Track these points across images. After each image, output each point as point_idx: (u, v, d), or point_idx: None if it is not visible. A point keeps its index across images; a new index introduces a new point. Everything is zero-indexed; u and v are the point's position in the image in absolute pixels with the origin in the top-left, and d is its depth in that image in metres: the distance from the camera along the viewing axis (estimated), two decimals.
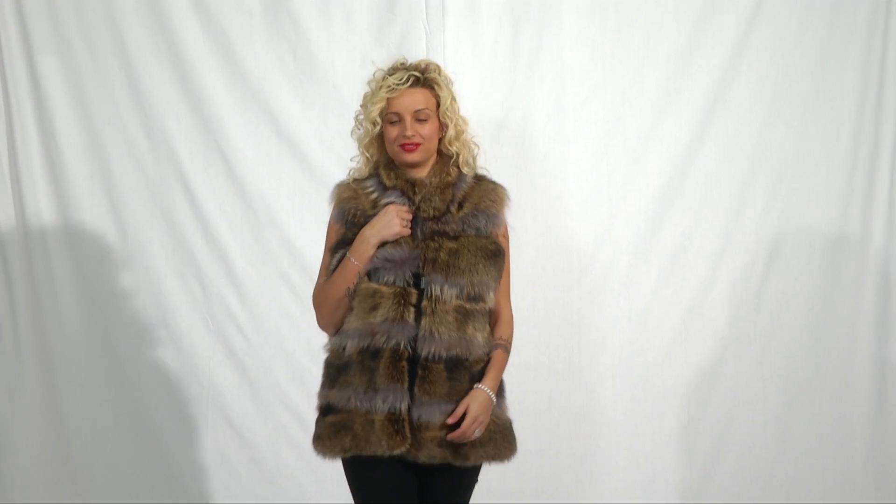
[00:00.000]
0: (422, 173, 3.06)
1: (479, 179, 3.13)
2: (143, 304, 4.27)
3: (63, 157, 4.24)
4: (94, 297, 4.27)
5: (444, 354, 2.93)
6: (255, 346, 4.26)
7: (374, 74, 3.10)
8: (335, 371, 3.03)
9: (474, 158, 3.14)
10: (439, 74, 3.10)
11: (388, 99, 3.04)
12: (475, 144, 3.14)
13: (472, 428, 2.92)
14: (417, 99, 3.03)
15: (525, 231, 3.96)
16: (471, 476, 3.07)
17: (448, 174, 3.08)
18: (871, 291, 4.30)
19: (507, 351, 3.06)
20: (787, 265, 4.28)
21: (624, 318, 4.27)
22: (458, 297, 2.96)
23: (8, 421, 4.29)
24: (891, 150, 4.27)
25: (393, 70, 3.09)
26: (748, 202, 4.25)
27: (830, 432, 4.32)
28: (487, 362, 3.00)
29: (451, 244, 3.00)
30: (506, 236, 3.11)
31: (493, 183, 3.14)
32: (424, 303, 2.95)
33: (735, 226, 4.25)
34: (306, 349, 4.11)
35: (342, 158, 4.19)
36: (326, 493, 4.14)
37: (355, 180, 3.15)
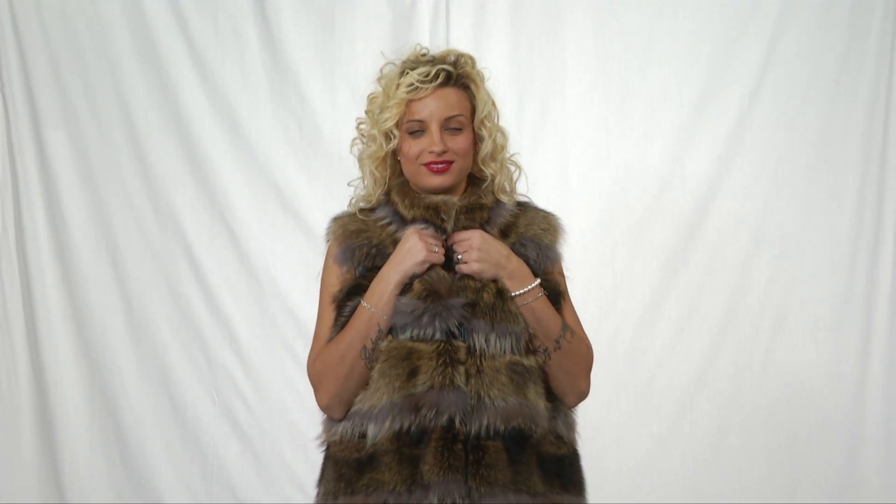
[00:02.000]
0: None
1: (523, 207, 2.47)
2: (147, 377, 4.26)
3: (69, 229, 4.25)
4: (98, 368, 4.26)
5: (501, 427, 2.19)
6: (259, 419, 4.24)
7: (381, 70, 2.40)
8: (353, 470, 2.26)
9: (512, 183, 2.47)
10: (474, 69, 2.39)
11: (408, 102, 2.32)
12: (516, 165, 2.49)
13: (463, 249, 2.30)
14: (450, 102, 2.32)
15: None
16: None
17: (481, 197, 2.38)
18: (877, 364, 4.28)
19: (571, 333, 2.33)
20: (791, 338, 4.27)
21: (629, 390, 4.25)
22: (512, 351, 2.25)
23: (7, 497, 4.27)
24: (894, 221, 4.28)
25: (414, 63, 2.36)
26: (752, 275, 4.25)
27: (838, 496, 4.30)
28: (563, 450, 2.31)
29: (495, 283, 2.28)
30: (562, 274, 2.44)
31: (543, 211, 2.47)
32: (468, 360, 2.22)
33: (739, 298, 4.25)
34: (311, 421, 4.08)
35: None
36: None
37: (361, 210, 2.44)
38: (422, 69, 2.31)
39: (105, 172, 4.27)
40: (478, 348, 2.22)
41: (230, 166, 4.26)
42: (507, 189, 2.44)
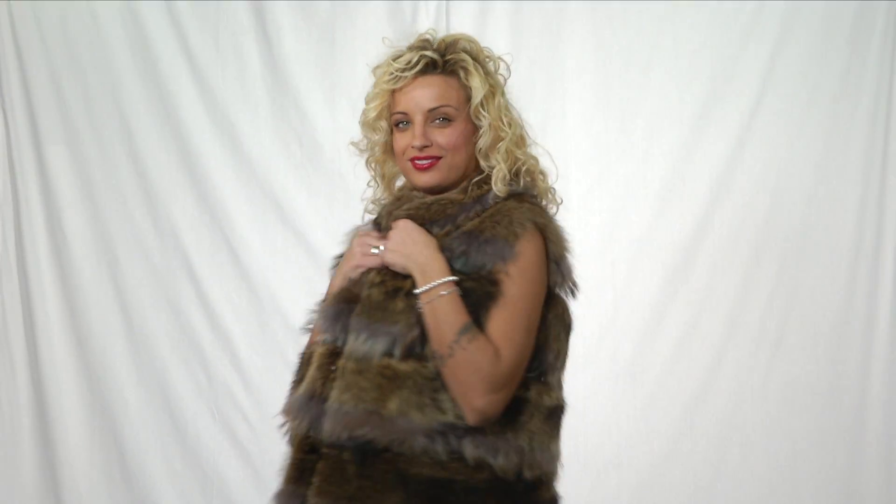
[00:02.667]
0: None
1: (512, 199, 2.17)
2: (147, 393, 4.26)
3: (69, 245, 4.26)
4: (99, 385, 4.26)
5: (343, 436, 1.98)
6: (259, 435, 4.23)
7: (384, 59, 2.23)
8: None
9: (514, 174, 2.20)
10: (469, 54, 2.19)
11: (392, 93, 2.17)
12: (531, 157, 2.26)
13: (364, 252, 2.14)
14: (434, 92, 2.14)
15: None
16: None
17: (463, 193, 2.15)
18: (878, 380, 4.27)
19: (471, 336, 1.97)
20: (791, 354, 4.26)
21: (629, 408, 4.25)
22: (386, 354, 2.00)
23: None
24: (894, 238, 4.28)
25: (407, 50, 2.20)
26: (752, 291, 4.24)
27: None
28: (459, 476, 1.98)
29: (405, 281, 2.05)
30: (513, 275, 2.04)
31: (527, 205, 2.16)
32: (339, 362, 2.06)
33: (739, 315, 4.24)
34: None
35: None
36: None
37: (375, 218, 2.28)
38: (405, 56, 2.16)
39: (105, 188, 4.28)
40: (347, 349, 2.05)
41: (230, 182, 4.26)
42: (503, 178, 2.17)
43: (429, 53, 2.15)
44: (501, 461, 2.00)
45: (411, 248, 2.05)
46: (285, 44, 4.27)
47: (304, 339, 2.40)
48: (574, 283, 2.18)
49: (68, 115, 4.27)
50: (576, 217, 4.22)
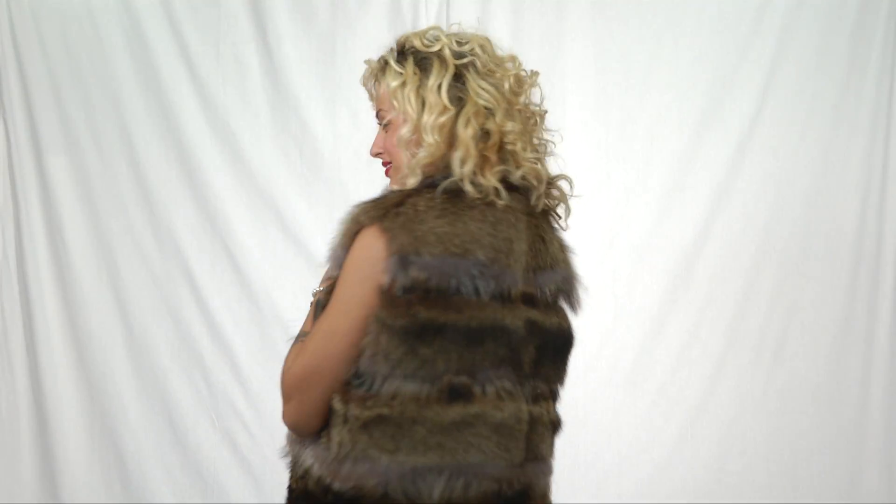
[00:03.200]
0: None
1: (414, 193, 1.96)
2: (148, 402, 4.26)
3: (70, 254, 4.26)
4: (98, 394, 4.26)
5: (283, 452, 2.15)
6: (260, 444, 4.23)
7: None
8: None
9: (418, 166, 1.98)
10: (402, 48, 2.07)
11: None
12: (421, 143, 1.99)
13: None
14: (377, 97, 2.08)
15: None
16: None
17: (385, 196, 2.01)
18: (879, 389, 4.28)
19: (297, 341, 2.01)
20: (792, 363, 4.27)
21: (629, 416, 4.25)
22: None
23: None
24: (894, 246, 4.28)
25: None
26: (752, 300, 4.24)
27: None
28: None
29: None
30: (333, 279, 1.98)
31: (397, 197, 1.96)
32: None
33: (740, 323, 4.25)
34: None
35: None
36: None
37: None
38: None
39: (106, 198, 4.28)
40: None
41: (231, 191, 4.26)
42: (407, 170, 2.00)
43: (367, 61, 2.09)
44: (314, 470, 1.94)
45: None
46: (286, 53, 4.27)
47: None
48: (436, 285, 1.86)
49: (69, 124, 4.28)
50: (575, 225, 4.26)
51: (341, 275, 1.90)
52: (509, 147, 2.01)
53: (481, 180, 1.94)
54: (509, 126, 1.99)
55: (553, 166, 2.24)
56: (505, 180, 2.00)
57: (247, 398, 4.25)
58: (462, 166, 1.93)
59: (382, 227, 1.86)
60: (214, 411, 4.25)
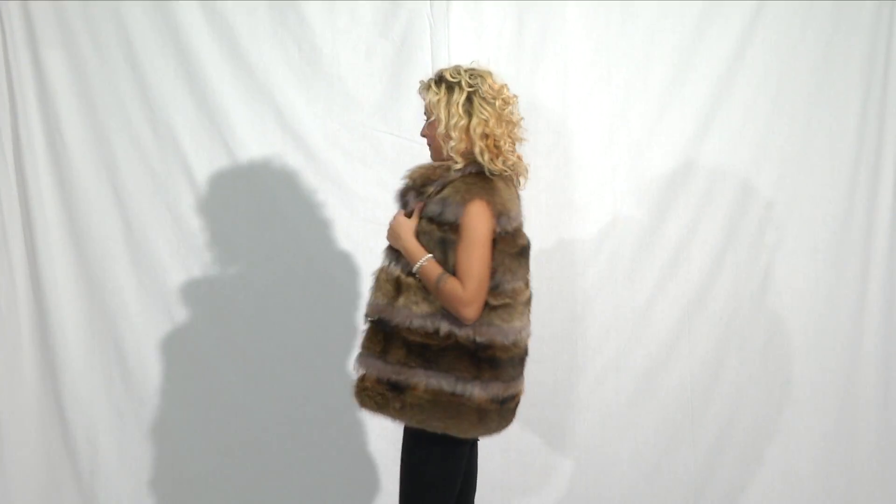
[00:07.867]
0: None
1: (469, 175, 3.11)
2: (147, 297, 4.28)
3: (68, 150, 4.24)
4: (98, 289, 4.27)
5: (375, 316, 3.11)
6: (261, 340, 4.27)
7: None
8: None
9: (454, 153, 3.12)
10: (436, 78, 3.18)
11: None
12: (492, 142, 3.12)
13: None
14: (426, 104, 3.18)
15: (529, 224, 4.00)
16: (409, 436, 3.15)
17: (440, 166, 3.17)
18: (876, 285, 4.30)
19: (443, 282, 3.02)
20: (790, 259, 4.29)
21: (627, 311, 4.28)
22: (403, 272, 3.10)
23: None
24: (895, 144, 4.28)
25: None
26: (752, 196, 4.25)
27: (834, 428, 4.34)
28: (430, 334, 3.04)
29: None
30: (462, 226, 3.01)
31: (471, 179, 3.09)
32: (380, 274, 3.19)
33: (738, 219, 4.26)
34: (314, 345, 4.12)
35: (346, 150, 4.22)
36: None
37: None
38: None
39: (103, 93, 4.25)
40: (383, 268, 3.18)
41: (229, 87, 4.24)
42: (447, 156, 3.12)
43: (423, 81, 3.21)
44: (461, 332, 3.05)
45: (395, 240, 3.14)
46: None
47: None
48: (515, 228, 3.10)
49: (65, 18, 4.23)
50: (576, 121, 4.25)
51: (470, 231, 3.00)
52: (500, 144, 3.14)
53: (498, 165, 3.13)
54: (499, 131, 3.14)
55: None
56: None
57: (246, 291, 4.26)
58: (482, 157, 3.11)
59: (485, 200, 3.02)
60: (213, 306, 4.27)
